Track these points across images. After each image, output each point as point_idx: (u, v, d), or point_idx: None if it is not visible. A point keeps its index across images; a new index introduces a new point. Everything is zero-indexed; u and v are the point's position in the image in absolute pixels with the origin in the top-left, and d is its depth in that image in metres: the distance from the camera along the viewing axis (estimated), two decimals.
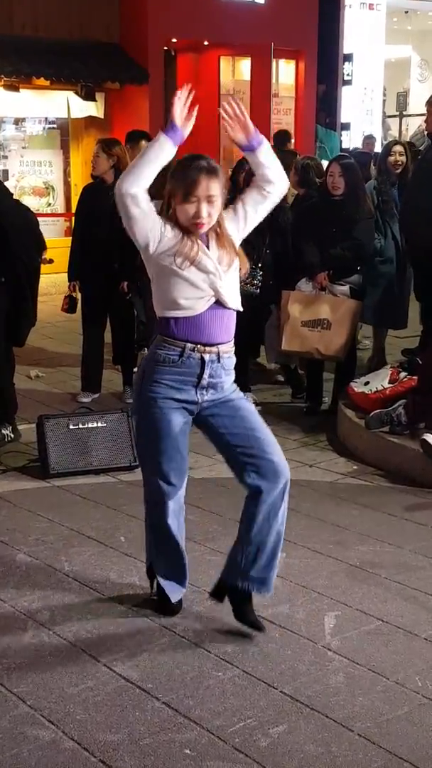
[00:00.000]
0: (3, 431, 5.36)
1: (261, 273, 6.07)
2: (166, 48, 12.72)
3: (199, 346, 3.15)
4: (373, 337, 7.19)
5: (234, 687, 2.96)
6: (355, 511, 4.48)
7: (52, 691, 2.94)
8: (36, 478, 4.89)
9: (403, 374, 5.51)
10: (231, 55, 13.62)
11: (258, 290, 6.01)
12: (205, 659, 3.13)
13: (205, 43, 13.16)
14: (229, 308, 3.19)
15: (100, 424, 5.03)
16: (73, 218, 6.49)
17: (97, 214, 6.03)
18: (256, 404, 6.12)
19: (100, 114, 12.24)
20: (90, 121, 12.22)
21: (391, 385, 5.45)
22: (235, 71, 13.85)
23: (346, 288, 5.94)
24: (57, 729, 2.75)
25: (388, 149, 6.80)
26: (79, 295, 6.36)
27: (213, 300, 3.14)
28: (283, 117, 14.19)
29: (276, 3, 12.95)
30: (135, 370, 6.56)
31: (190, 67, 13.71)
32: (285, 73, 14.22)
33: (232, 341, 3.25)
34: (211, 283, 3.11)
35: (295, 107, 14.35)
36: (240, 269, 3.23)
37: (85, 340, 6.37)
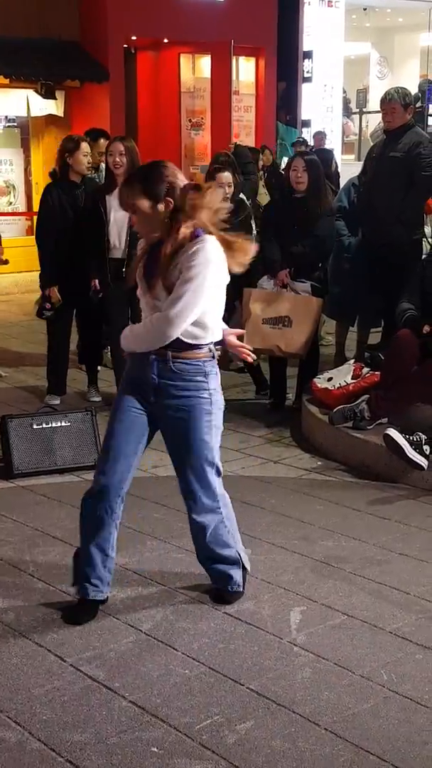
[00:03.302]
0: None
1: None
2: (126, 46, 12.68)
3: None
4: (336, 335, 7.24)
5: (200, 684, 2.97)
6: (319, 506, 4.50)
7: (18, 692, 2.92)
8: None
9: (366, 370, 5.55)
10: (191, 53, 13.61)
11: None
12: (172, 657, 3.13)
13: (165, 40, 13.14)
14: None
15: (64, 424, 5.00)
16: (39, 219, 6.26)
17: (69, 214, 6.01)
18: None
19: (60, 112, 12.17)
20: (50, 119, 12.15)
21: (354, 380, 5.48)
22: (196, 69, 13.85)
23: (307, 285, 5.96)
24: (23, 730, 2.74)
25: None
26: (57, 299, 6.12)
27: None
28: (244, 114, 14.21)
29: (235, 1, 12.96)
30: (99, 369, 6.56)
31: (150, 64, 13.68)
32: (245, 70, 14.24)
33: (190, 349, 3.25)
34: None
35: (256, 104, 14.38)
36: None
37: (52, 340, 6.29)
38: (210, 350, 3.31)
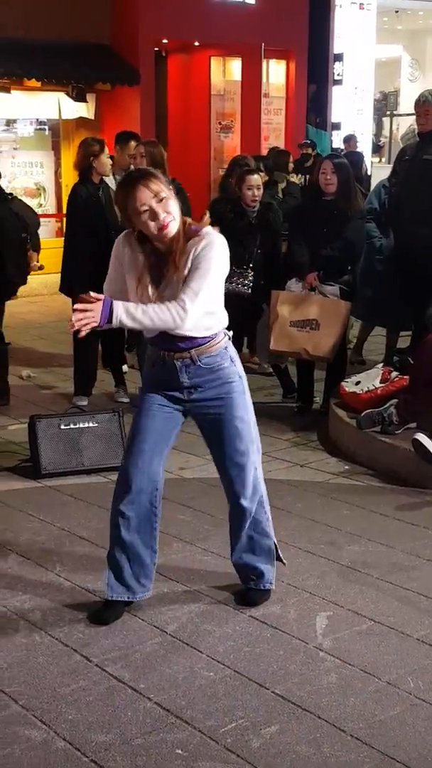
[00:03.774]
0: None
1: (252, 273, 6.08)
2: (156, 49, 12.71)
3: (168, 353, 3.27)
4: (359, 332, 7.26)
5: (226, 687, 2.96)
6: (346, 511, 4.48)
7: (44, 691, 2.93)
8: (27, 478, 4.88)
9: (394, 374, 5.52)
10: (221, 56, 13.61)
11: (249, 290, 6.01)
12: (197, 659, 3.13)
13: (196, 43, 13.15)
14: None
15: (91, 424, 5.02)
16: (72, 219, 6.22)
17: (95, 215, 6.02)
18: None
19: (91, 115, 12.22)
20: (81, 122, 12.20)
21: (382, 384, 5.45)
22: (226, 72, 13.84)
23: (336, 288, 5.94)
24: (49, 729, 2.75)
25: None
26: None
27: (157, 331, 3.24)
28: (274, 117, 14.20)
29: (266, 3, 12.95)
30: (125, 369, 6.57)
31: (180, 67, 13.70)
32: (275, 73, 14.22)
33: (209, 342, 3.25)
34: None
35: (286, 107, 14.35)
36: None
37: (79, 343, 6.29)
38: (225, 333, 3.33)
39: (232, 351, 3.35)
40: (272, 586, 3.53)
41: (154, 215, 3.09)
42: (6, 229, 5.32)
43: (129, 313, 3.09)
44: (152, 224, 3.10)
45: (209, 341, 3.26)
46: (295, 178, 9.73)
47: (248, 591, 3.53)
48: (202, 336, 3.23)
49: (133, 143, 6.97)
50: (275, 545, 3.55)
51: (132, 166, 6.69)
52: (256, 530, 3.48)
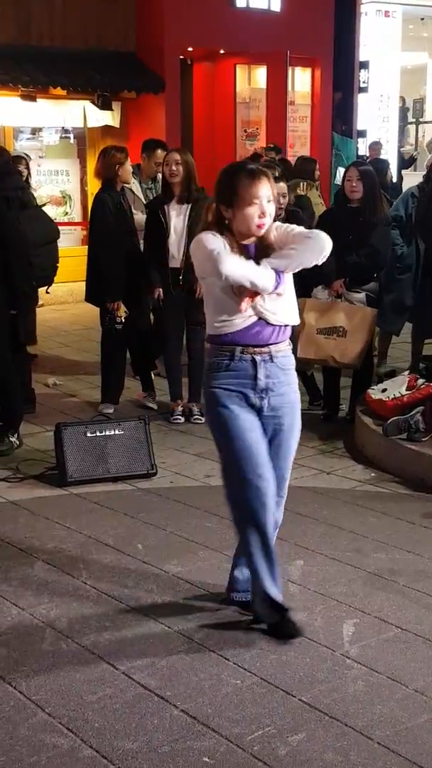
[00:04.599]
0: (10, 439, 5.41)
1: None
2: (182, 57, 12.76)
3: (249, 348, 3.21)
4: (378, 343, 7.23)
5: (252, 695, 2.96)
6: (372, 518, 4.46)
7: (71, 699, 2.94)
8: (53, 485, 4.90)
9: (421, 381, 5.49)
10: (247, 64, 13.63)
11: None
12: (224, 667, 3.12)
13: (221, 51, 13.19)
14: (273, 324, 3.23)
15: (117, 432, 5.04)
16: (98, 228, 6.14)
17: (121, 223, 6.04)
18: None
19: (117, 123, 12.29)
20: (106, 130, 12.27)
21: (408, 392, 5.42)
22: (251, 79, 13.87)
23: (362, 296, 5.93)
24: (75, 737, 2.75)
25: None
26: (124, 312, 6.04)
27: (254, 319, 3.20)
28: (299, 125, 14.20)
29: (291, 11, 12.97)
30: (153, 376, 6.59)
31: (206, 75, 13.74)
32: (301, 80, 14.23)
33: (286, 339, 3.28)
34: (255, 306, 3.17)
35: (312, 115, 14.35)
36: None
37: (107, 351, 6.31)
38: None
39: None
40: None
41: (262, 212, 3.15)
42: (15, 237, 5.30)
43: (282, 261, 3.16)
44: (255, 218, 3.14)
45: (285, 338, 3.29)
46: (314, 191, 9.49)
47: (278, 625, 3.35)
48: (288, 326, 3.26)
49: (159, 151, 7.00)
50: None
51: (159, 175, 6.74)
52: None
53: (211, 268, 3.12)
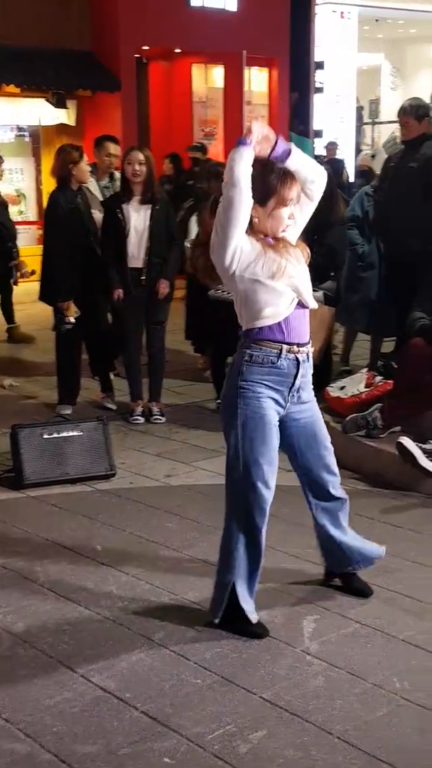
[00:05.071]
0: None
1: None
2: (137, 56, 12.72)
3: (293, 347, 3.23)
4: (344, 340, 7.27)
5: (213, 694, 2.94)
6: None
7: (28, 704, 2.90)
8: (10, 488, 4.84)
9: (378, 378, 5.53)
10: (203, 63, 13.64)
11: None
12: (184, 667, 3.10)
13: (177, 50, 13.18)
14: (307, 307, 3.27)
15: (75, 433, 4.99)
16: (50, 227, 6.13)
17: (76, 221, 5.98)
18: None
19: (72, 122, 12.23)
20: (62, 128, 12.20)
21: (366, 389, 5.46)
22: (208, 79, 13.88)
23: (320, 294, 5.94)
24: (33, 742, 2.71)
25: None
26: (75, 312, 5.97)
27: (296, 301, 3.22)
28: None
29: (247, 11, 12.99)
30: (111, 377, 6.55)
31: (162, 74, 13.72)
32: (258, 80, 14.27)
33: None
34: (294, 286, 3.20)
35: (269, 115, 14.39)
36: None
37: (62, 351, 6.26)
38: None
39: None
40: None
41: (291, 214, 3.20)
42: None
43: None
44: (285, 220, 3.18)
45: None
46: None
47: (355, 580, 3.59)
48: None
49: (109, 144, 6.97)
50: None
51: (117, 173, 6.68)
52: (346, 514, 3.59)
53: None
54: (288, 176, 3.16)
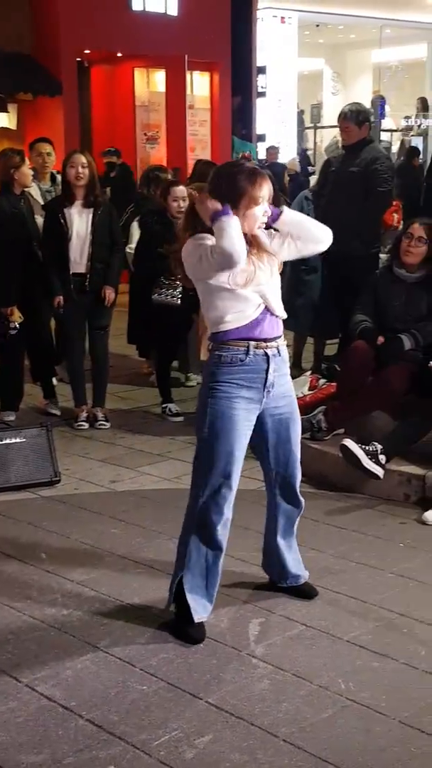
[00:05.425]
0: None
1: (181, 284, 6.06)
2: (79, 59, 12.65)
3: (261, 342, 3.25)
4: (294, 344, 7.29)
5: (159, 699, 2.94)
6: None
7: None
8: None
9: (322, 381, 5.58)
10: (145, 67, 13.61)
11: (179, 301, 6.01)
12: (130, 673, 3.09)
13: (119, 54, 13.14)
14: (276, 315, 3.30)
15: (18, 440, 4.94)
16: None
17: (18, 226, 5.91)
18: (178, 414, 6.14)
19: (13, 125, 12.11)
20: (2, 132, 12.07)
21: (310, 392, 5.51)
22: (150, 83, 13.85)
23: None
24: None
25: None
26: (19, 317, 5.91)
27: (263, 307, 3.25)
28: (199, 129, 14.25)
29: (188, 16, 13.01)
30: (55, 382, 6.50)
31: (104, 78, 13.66)
32: (200, 85, 14.29)
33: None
34: (262, 293, 3.23)
35: (211, 119, 14.42)
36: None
37: (4, 357, 6.19)
38: None
39: None
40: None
41: (265, 211, 3.22)
42: None
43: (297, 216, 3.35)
44: (260, 218, 3.21)
45: (282, 332, 3.35)
46: None
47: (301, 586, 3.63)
48: (281, 319, 3.31)
49: (41, 144, 6.95)
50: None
51: (58, 177, 6.63)
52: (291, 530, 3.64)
53: (209, 264, 3.13)
54: (257, 175, 3.19)
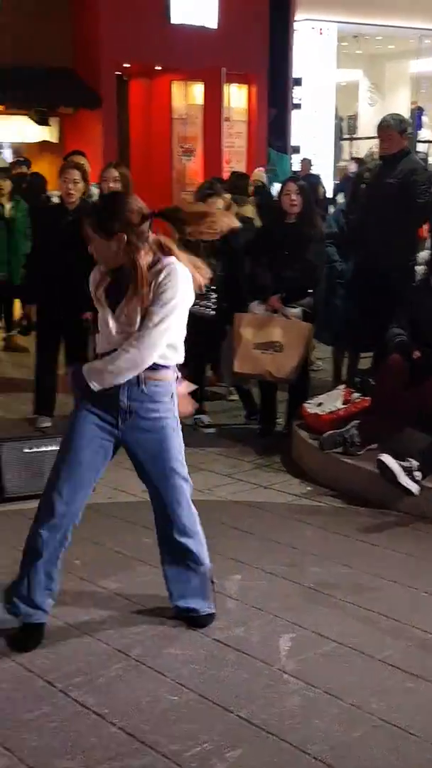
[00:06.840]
0: None
1: (215, 295, 6.11)
2: (118, 73, 12.79)
3: None
4: (332, 358, 7.29)
5: (190, 711, 2.96)
6: (309, 532, 4.50)
7: (7, 717, 2.91)
8: None
9: (356, 395, 5.57)
10: (183, 80, 13.73)
11: (213, 312, 6.04)
12: (161, 683, 3.12)
13: (158, 67, 13.26)
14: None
15: (53, 447, 4.95)
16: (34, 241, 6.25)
17: (59, 239, 5.98)
18: (210, 426, 6.17)
19: (54, 139, 12.27)
20: (44, 145, 12.23)
21: (344, 406, 5.50)
22: (188, 96, 13.96)
23: (298, 311, 6.00)
24: (12, 756, 2.72)
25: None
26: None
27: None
28: (236, 140, 14.34)
29: (227, 28, 13.11)
30: None
31: (142, 91, 13.79)
32: (237, 97, 14.38)
33: (161, 371, 3.27)
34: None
35: (247, 131, 14.51)
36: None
37: (39, 364, 6.28)
38: (175, 371, 3.35)
39: (175, 390, 3.35)
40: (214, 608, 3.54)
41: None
42: None
43: (96, 372, 3.21)
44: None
45: (161, 370, 3.27)
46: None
47: (196, 617, 3.52)
48: (158, 362, 3.24)
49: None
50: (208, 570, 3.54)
51: (95, 190, 6.72)
52: (191, 561, 3.46)
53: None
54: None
